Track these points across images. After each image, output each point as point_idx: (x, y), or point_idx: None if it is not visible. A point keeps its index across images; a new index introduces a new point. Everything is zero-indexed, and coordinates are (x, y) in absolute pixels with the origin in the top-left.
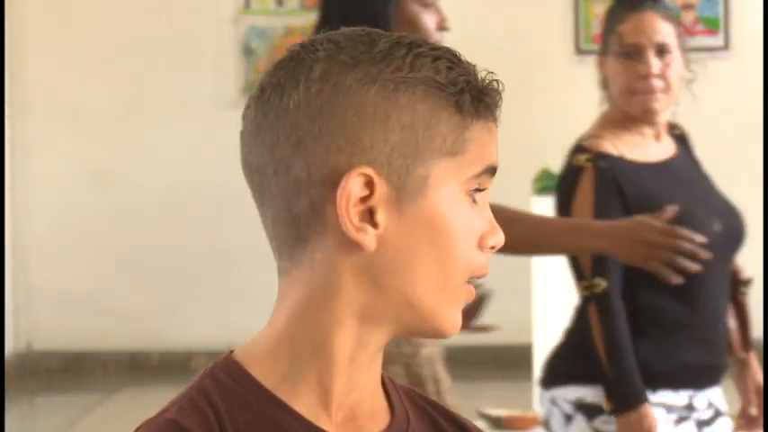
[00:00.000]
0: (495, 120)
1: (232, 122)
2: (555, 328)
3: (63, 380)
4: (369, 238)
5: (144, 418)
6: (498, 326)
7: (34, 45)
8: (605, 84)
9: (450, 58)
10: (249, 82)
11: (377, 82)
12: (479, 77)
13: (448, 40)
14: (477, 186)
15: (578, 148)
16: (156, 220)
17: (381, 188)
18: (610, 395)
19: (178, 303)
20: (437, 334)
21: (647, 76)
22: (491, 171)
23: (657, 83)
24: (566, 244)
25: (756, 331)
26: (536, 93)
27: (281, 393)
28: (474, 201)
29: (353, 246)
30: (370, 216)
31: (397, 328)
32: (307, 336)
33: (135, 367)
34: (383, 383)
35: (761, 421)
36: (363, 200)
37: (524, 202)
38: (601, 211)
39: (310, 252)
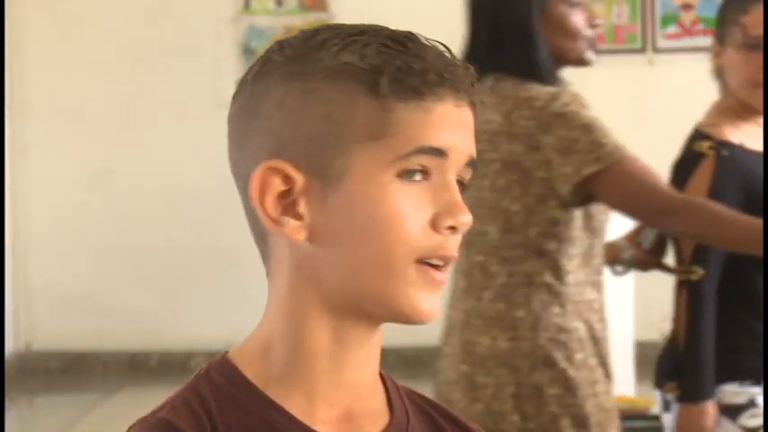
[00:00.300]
0: (438, 99)
1: None
2: None
3: (63, 380)
4: (290, 230)
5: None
6: (697, 271)
7: (34, 45)
8: (720, 74)
9: (387, 43)
10: None
11: (298, 76)
12: (422, 57)
13: (446, 40)
14: (409, 167)
15: (699, 135)
16: (155, 221)
17: (300, 180)
18: (679, 381)
19: (178, 303)
20: (407, 320)
21: None
22: (430, 151)
23: None
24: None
25: None
26: None
27: (273, 394)
28: (412, 180)
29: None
30: (295, 209)
31: (366, 317)
32: (284, 335)
33: (135, 367)
34: (384, 383)
35: None
36: (286, 193)
37: None
38: (715, 199)
39: (271, 251)
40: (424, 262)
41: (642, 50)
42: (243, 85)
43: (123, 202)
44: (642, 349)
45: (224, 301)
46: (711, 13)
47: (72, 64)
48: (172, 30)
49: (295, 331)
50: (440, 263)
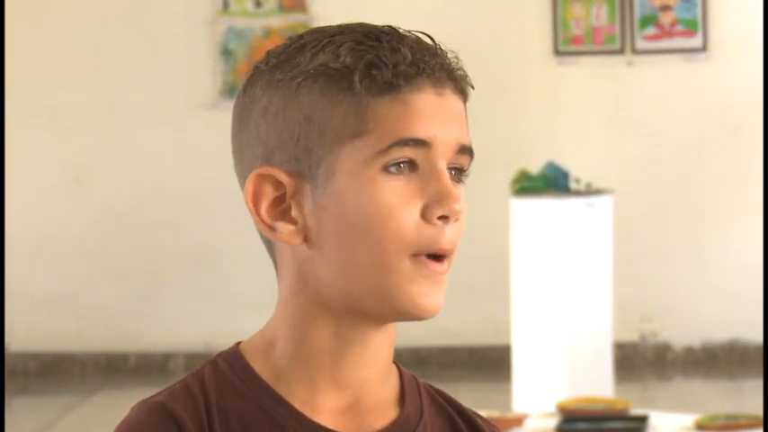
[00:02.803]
0: (415, 90)
1: (211, 124)
2: (533, 329)
3: (40, 382)
4: (285, 235)
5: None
6: None
7: (11, 47)
8: None
9: (360, 39)
10: (228, 83)
11: (279, 82)
12: (395, 50)
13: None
14: (391, 160)
15: None
16: (133, 222)
17: (291, 185)
18: None
19: (156, 304)
20: (408, 316)
21: None
22: (411, 143)
23: None
24: None
25: (756, 331)
26: (514, 94)
27: (278, 387)
28: (399, 173)
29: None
30: (290, 213)
31: (369, 316)
32: (288, 335)
33: (112, 369)
34: (401, 380)
35: None
36: (280, 199)
37: (502, 204)
38: None
39: (276, 257)
40: (419, 255)
41: (621, 51)
42: (237, 97)
43: (100, 203)
44: (620, 350)
45: (202, 302)
46: (690, 14)
47: (50, 66)
48: (151, 31)
49: (298, 332)
50: (437, 254)
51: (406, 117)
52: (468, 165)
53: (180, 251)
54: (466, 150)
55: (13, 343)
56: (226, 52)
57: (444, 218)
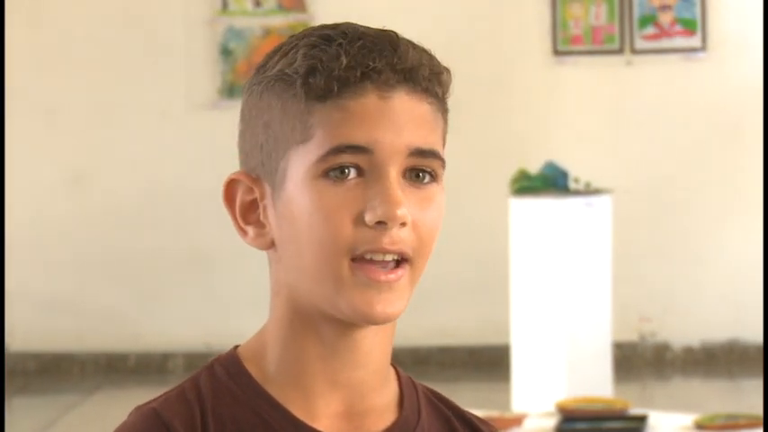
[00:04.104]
0: (356, 95)
1: (210, 124)
2: (533, 329)
3: (40, 381)
4: (251, 238)
5: (121, 420)
6: None
7: (11, 47)
8: None
9: (315, 44)
10: (227, 83)
11: (251, 87)
12: (339, 54)
13: (426, 41)
14: (331, 166)
15: None
16: (133, 222)
17: (258, 189)
18: None
19: (155, 305)
20: (352, 320)
21: None
22: (348, 149)
23: None
24: None
25: (756, 331)
26: (513, 94)
27: (272, 391)
28: (342, 178)
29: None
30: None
31: (332, 318)
32: (276, 338)
33: (112, 369)
34: (399, 383)
35: None
36: (255, 203)
37: (502, 204)
38: None
39: (268, 257)
40: (361, 260)
41: (620, 51)
42: None
43: (100, 204)
44: (619, 350)
45: (201, 302)
46: (689, 14)
47: (49, 66)
48: (150, 31)
49: (283, 334)
50: (379, 257)
51: (343, 123)
52: (438, 166)
53: (180, 251)
54: (424, 153)
55: (13, 343)
56: (225, 52)
57: (382, 223)
